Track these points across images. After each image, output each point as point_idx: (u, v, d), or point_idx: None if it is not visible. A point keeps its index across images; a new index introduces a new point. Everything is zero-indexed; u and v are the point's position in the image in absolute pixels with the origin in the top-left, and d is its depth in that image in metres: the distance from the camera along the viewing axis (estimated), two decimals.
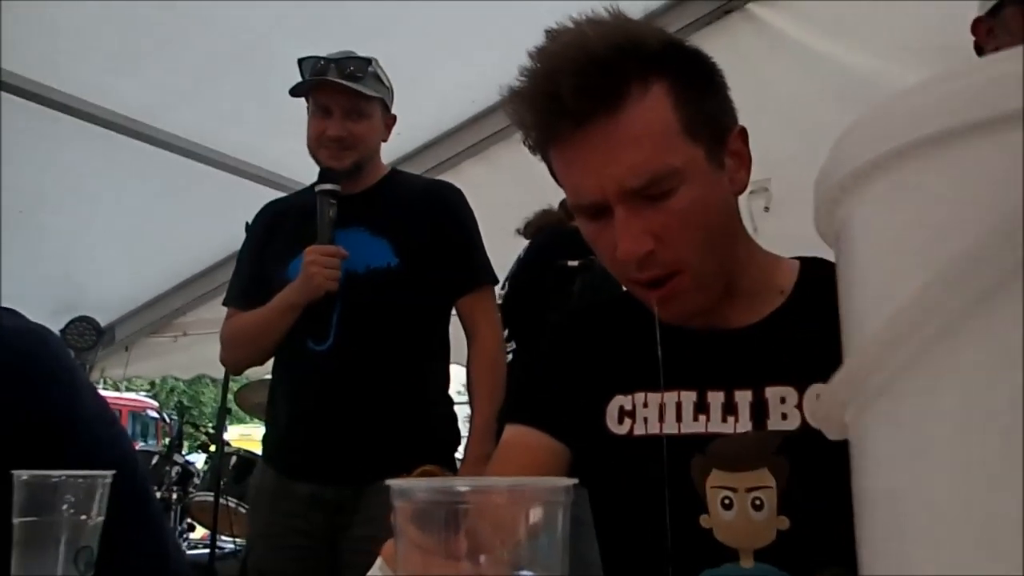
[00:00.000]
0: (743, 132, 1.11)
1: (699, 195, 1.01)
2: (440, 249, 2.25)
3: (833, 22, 3.31)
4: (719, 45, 3.39)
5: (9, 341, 1.66)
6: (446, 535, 0.52)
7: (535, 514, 0.54)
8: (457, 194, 2.38)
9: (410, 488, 0.54)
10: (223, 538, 4.38)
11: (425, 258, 2.22)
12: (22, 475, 0.95)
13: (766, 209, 3.29)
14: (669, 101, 1.01)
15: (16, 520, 0.94)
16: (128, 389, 14.79)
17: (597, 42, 0.99)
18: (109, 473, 0.98)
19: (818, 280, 1.06)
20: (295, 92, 2.27)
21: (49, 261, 4.75)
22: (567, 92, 0.98)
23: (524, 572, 0.53)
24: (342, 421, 2.14)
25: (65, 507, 0.94)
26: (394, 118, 2.39)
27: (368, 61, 2.26)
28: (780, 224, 2.92)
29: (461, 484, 0.53)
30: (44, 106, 3.57)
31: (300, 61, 2.28)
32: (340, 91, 2.21)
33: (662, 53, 1.03)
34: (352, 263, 2.18)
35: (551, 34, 1.04)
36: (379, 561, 0.63)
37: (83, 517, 0.95)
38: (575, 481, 0.55)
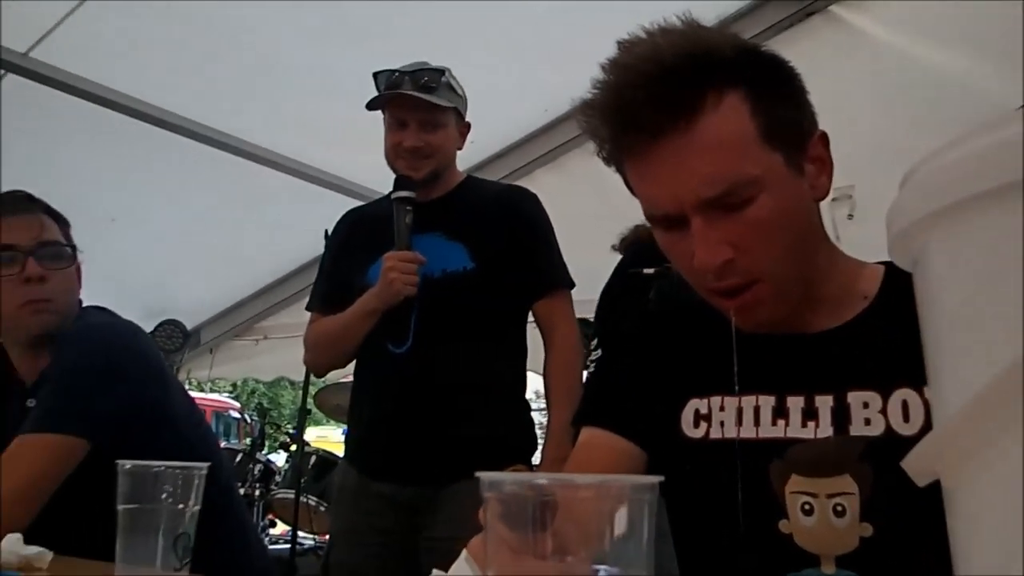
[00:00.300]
0: (824, 137, 1.09)
1: (778, 203, 1.00)
2: (515, 253, 2.26)
3: (919, 23, 3.19)
4: (800, 49, 3.33)
5: (105, 336, 1.73)
6: (534, 530, 0.54)
7: (622, 511, 0.55)
8: (532, 198, 2.40)
9: (500, 480, 0.56)
10: (303, 534, 4.47)
11: (500, 262, 2.25)
12: (125, 464, 1.00)
13: (849, 216, 3.22)
14: (746, 109, 0.99)
15: (120, 507, 1.00)
16: (212, 390, 15.13)
17: (669, 53, 0.98)
18: (205, 465, 1.03)
19: (903, 285, 1.02)
20: (371, 106, 2.31)
21: (140, 267, 4.91)
22: (641, 105, 0.97)
23: (608, 568, 0.54)
24: (420, 423, 2.18)
25: (164, 496, 0.99)
26: (468, 126, 2.41)
27: (441, 72, 2.29)
28: (863, 232, 2.87)
29: (550, 479, 0.54)
30: (137, 119, 3.72)
31: (375, 74, 2.33)
32: (415, 103, 2.24)
33: (737, 60, 1.01)
34: (428, 267, 2.21)
35: (623, 45, 1.03)
36: (464, 554, 0.65)
37: (181, 506, 1.00)
38: (661, 478, 0.56)
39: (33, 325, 1.73)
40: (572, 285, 2.37)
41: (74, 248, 1.84)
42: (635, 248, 2.89)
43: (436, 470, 2.14)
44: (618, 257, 3.00)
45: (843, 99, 3.14)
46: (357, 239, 2.41)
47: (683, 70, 0.97)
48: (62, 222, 1.85)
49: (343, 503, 2.33)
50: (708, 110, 0.98)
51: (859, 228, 3.05)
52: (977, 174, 0.37)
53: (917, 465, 0.42)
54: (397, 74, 2.27)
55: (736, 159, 0.98)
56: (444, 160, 2.32)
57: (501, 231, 2.28)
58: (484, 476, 0.56)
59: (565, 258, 2.37)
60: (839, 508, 1.00)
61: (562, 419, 2.16)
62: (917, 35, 3.21)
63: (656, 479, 0.56)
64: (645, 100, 0.97)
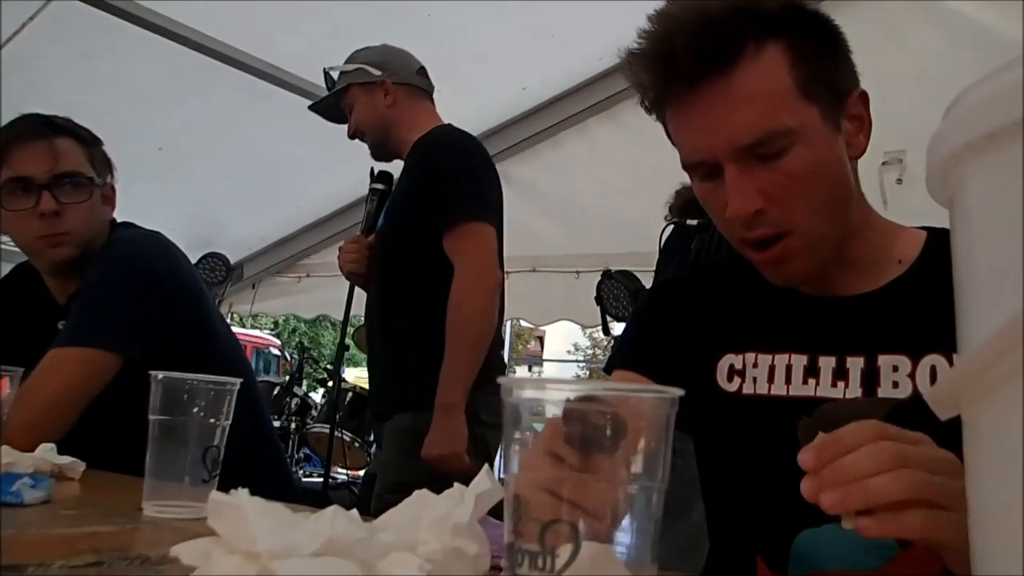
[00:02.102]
0: (863, 95, 1.09)
1: (813, 156, 1.01)
2: (416, 198, 2.29)
3: None
4: (866, 9, 3.28)
5: (132, 250, 1.73)
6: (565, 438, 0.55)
7: (643, 422, 0.56)
8: (440, 138, 2.35)
9: (516, 384, 0.57)
10: (337, 470, 4.55)
11: (404, 212, 2.33)
12: (158, 375, 1.02)
13: (899, 181, 3.17)
14: (785, 61, 1.01)
15: (152, 418, 1.02)
16: (253, 327, 15.35)
17: (714, 4, 1.00)
18: (237, 381, 1.05)
19: (943, 250, 1.02)
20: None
21: (185, 198, 4.96)
22: (682, 52, 0.99)
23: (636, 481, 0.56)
24: (370, 370, 2.45)
25: (196, 409, 1.01)
26: (384, 84, 2.42)
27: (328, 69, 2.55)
28: (913, 196, 2.82)
29: (565, 387, 0.55)
30: (187, 47, 3.72)
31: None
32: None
33: (780, 14, 1.03)
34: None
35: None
36: (484, 468, 0.67)
37: (212, 420, 1.02)
38: (682, 392, 0.57)
39: (51, 256, 1.73)
40: (478, 218, 2.24)
41: (104, 172, 1.80)
42: (685, 205, 2.85)
43: (377, 408, 2.41)
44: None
45: (906, 62, 3.09)
46: None
47: (725, 21, 1.00)
48: (89, 142, 1.79)
49: None
50: (747, 60, 1.00)
51: (908, 193, 3.00)
52: (1014, 102, 0.36)
53: (940, 398, 0.42)
54: None
55: (771, 109, 1.00)
56: (372, 131, 2.45)
57: (406, 181, 2.38)
58: (504, 381, 0.57)
59: (615, 207, 2.35)
60: None
61: (449, 363, 2.12)
62: (986, 1, 3.12)
63: (678, 392, 0.57)
64: (685, 48, 0.99)
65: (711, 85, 1.00)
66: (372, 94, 2.41)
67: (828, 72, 1.04)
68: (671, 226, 2.74)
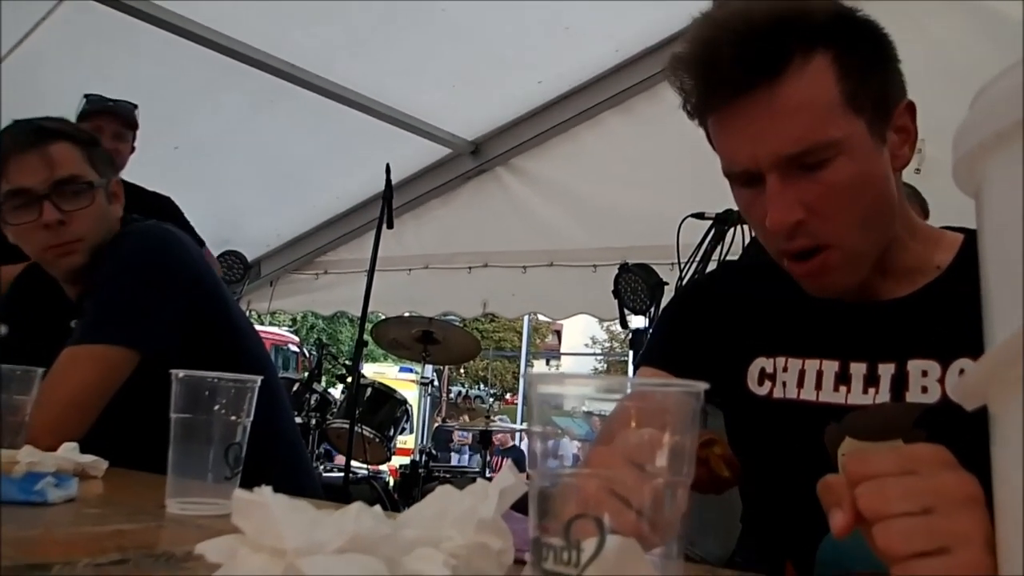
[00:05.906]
0: (911, 107, 1.08)
1: (856, 168, 1.00)
2: None
3: None
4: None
5: (143, 244, 1.68)
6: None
7: (668, 416, 0.56)
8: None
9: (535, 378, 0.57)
10: (357, 464, 4.56)
11: None
12: (179, 373, 1.02)
13: (917, 171, 3.14)
14: (832, 72, 0.99)
15: (174, 416, 1.02)
16: (271, 324, 15.40)
17: (760, 12, 0.99)
18: (258, 378, 1.05)
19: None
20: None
21: (201, 196, 4.98)
22: (726, 62, 0.98)
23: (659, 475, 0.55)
24: None
25: (218, 407, 1.02)
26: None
27: None
28: (931, 187, 2.80)
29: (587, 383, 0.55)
30: (203, 46, 3.74)
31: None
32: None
33: (829, 24, 1.01)
34: None
35: (719, 1, 1.05)
36: (507, 463, 0.67)
37: (234, 417, 1.02)
38: (706, 386, 0.57)
39: (63, 265, 1.69)
40: None
41: (106, 171, 1.73)
42: None
43: None
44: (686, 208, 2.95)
45: (924, 51, 3.06)
46: None
47: (771, 30, 0.98)
48: (87, 143, 1.72)
49: None
50: (793, 71, 0.99)
51: (927, 183, 2.97)
52: None
53: (967, 389, 0.41)
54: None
55: (818, 121, 0.99)
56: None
57: None
58: (527, 376, 0.57)
59: (636, 203, 2.29)
60: None
61: None
62: None
63: (703, 386, 0.56)
64: (732, 57, 0.98)
65: (756, 94, 0.99)
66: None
67: (876, 83, 1.03)
68: (689, 219, 2.72)
